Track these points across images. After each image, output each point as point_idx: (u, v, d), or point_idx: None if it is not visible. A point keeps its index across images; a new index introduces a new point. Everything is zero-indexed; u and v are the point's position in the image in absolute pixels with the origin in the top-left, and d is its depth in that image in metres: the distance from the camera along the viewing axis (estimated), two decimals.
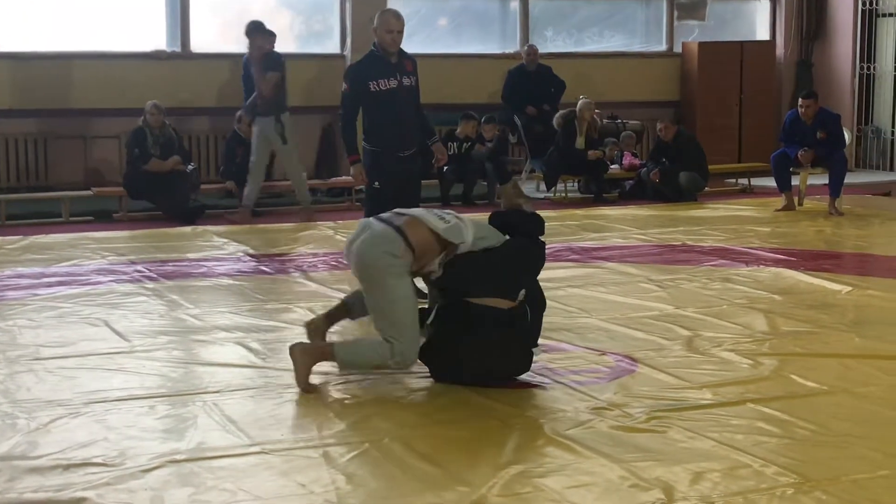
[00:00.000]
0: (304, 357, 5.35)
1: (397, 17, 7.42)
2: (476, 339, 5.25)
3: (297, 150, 11.74)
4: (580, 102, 13.04)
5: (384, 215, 5.46)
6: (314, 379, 5.36)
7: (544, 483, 4.13)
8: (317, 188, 12.91)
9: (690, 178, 12.63)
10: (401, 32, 7.37)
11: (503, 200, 5.92)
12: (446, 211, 5.56)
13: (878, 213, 11.68)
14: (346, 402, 5.16)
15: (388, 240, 5.22)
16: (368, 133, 7.48)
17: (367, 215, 7.14)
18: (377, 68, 7.37)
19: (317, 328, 5.76)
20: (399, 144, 7.42)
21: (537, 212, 5.75)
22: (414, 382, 5.45)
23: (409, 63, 7.49)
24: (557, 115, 13.20)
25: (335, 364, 5.43)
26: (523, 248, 5.53)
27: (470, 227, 5.39)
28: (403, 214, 5.41)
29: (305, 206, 11.67)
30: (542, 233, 5.67)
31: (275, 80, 11.34)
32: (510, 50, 14.97)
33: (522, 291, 5.39)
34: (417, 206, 6.97)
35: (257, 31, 11.52)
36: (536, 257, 5.59)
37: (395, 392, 5.33)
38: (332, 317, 5.82)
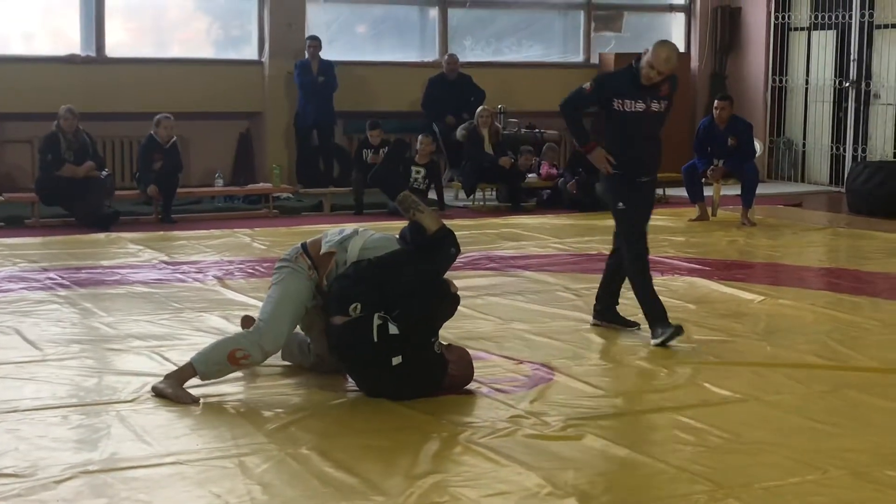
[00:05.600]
0: (168, 387, 5.31)
1: (668, 60, 6.45)
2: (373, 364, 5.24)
3: None
4: (477, 110, 13.24)
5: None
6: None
7: (461, 492, 4.14)
8: (234, 195, 12.83)
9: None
10: (661, 74, 6.47)
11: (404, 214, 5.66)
12: (363, 228, 5.67)
13: (790, 223, 11.89)
14: (263, 411, 5.12)
15: (290, 251, 5.60)
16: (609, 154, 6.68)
17: (621, 235, 6.86)
18: (627, 87, 6.57)
19: None
20: (637, 170, 6.68)
21: (431, 218, 5.47)
22: (331, 392, 5.43)
23: (665, 87, 6.61)
24: (459, 128, 13.32)
25: (197, 376, 5.36)
26: (386, 257, 5.37)
27: (360, 240, 5.47)
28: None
29: None
30: (424, 239, 5.42)
31: None
32: (429, 58, 15.01)
33: (356, 305, 5.19)
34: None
35: None
36: (398, 263, 5.35)
37: (312, 401, 5.30)
38: None
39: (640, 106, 6.56)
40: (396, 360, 5.14)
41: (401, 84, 14.56)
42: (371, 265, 5.34)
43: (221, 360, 5.34)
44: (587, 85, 6.69)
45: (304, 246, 5.55)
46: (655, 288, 6.64)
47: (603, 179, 6.95)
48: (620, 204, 6.76)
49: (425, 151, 12.52)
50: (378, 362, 5.17)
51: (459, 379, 5.40)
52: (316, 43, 13.63)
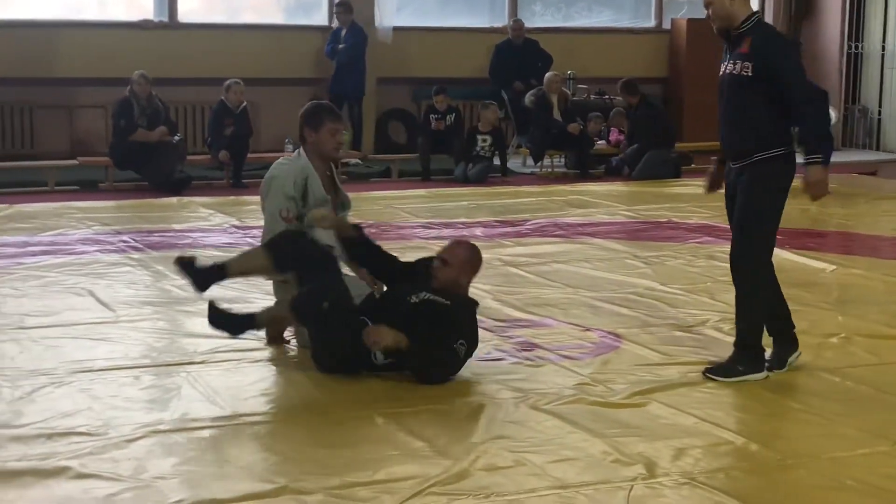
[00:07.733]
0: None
1: None
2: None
3: None
4: (546, 76, 13.11)
5: None
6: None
7: (526, 457, 4.15)
8: None
9: (645, 167, 12.49)
10: (706, 6, 5.12)
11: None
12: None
13: (864, 192, 11.70)
14: (331, 375, 5.16)
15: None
16: None
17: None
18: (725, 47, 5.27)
19: None
20: (725, 151, 5.33)
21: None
22: None
23: (747, 42, 5.07)
24: (528, 94, 13.24)
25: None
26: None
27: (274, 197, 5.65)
28: None
29: None
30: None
31: None
32: (498, 24, 14.93)
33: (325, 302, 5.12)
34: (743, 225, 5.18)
35: None
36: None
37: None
38: None
39: (724, 67, 5.22)
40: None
41: (467, 50, 14.50)
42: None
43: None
44: None
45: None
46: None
47: None
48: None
49: (488, 120, 12.53)
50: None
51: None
52: (342, 9, 13.27)
